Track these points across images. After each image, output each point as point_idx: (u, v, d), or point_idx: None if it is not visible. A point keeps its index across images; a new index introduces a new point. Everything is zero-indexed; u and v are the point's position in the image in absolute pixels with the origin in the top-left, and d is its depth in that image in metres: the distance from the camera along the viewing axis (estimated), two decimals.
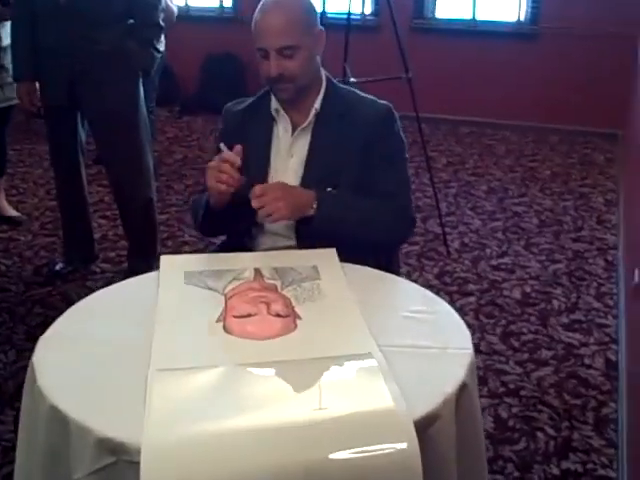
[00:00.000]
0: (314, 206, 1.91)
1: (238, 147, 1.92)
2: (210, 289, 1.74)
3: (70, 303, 3.29)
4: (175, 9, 4.82)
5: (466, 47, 6.27)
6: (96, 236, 3.93)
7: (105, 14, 3.12)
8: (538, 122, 6.21)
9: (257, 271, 1.82)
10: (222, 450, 1.22)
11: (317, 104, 2.05)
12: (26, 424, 1.50)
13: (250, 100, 2.16)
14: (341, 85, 2.15)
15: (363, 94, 2.11)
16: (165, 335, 1.54)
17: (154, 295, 1.72)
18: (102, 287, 3.41)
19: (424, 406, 1.32)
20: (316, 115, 2.05)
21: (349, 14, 4.23)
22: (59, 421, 1.32)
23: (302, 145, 2.06)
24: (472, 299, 3.50)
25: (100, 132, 3.39)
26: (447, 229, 4.19)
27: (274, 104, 2.08)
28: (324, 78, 2.08)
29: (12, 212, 4.37)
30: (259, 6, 1.98)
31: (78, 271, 3.70)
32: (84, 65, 3.15)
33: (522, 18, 6.29)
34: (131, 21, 3.21)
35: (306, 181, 2.01)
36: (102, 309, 1.74)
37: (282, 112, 2.07)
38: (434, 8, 6.53)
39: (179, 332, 1.56)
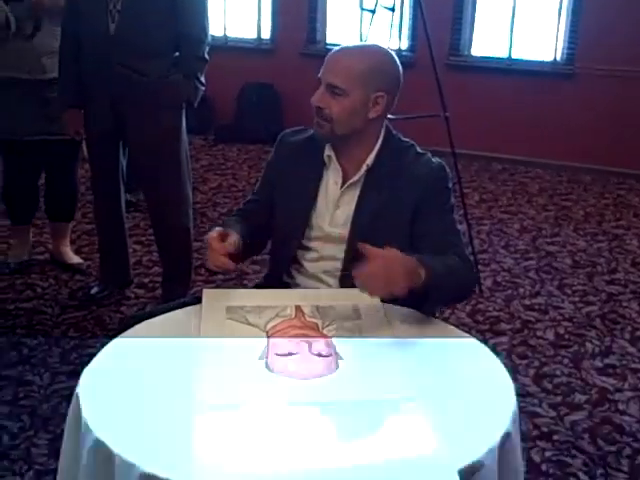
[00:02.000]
0: (422, 275, 1.76)
1: (233, 238, 1.94)
2: (252, 325, 1.75)
3: (104, 328, 3.42)
4: None
5: (501, 85, 6.30)
6: (131, 261, 3.97)
7: (152, 46, 3.18)
8: (572, 161, 6.20)
9: (298, 308, 1.83)
10: None
11: (370, 160, 2.03)
12: (69, 454, 1.52)
13: (308, 133, 2.13)
14: (403, 139, 2.11)
15: (421, 151, 2.09)
16: (210, 371, 1.55)
17: (196, 328, 1.74)
18: (136, 313, 3.50)
19: (468, 455, 1.31)
20: (367, 170, 2.03)
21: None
22: (104, 455, 1.33)
23: (350, 199, 2.04)
24: (505, 339, 3.49)
25: (141, 161, 3.43)
26: (480, 267, 4.19)
27: (327, 150, 2.07)
28: (382, 135, 2.06)
29: (75, 259, 4.13)
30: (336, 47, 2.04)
31: (113, 296, 3.74)
32: (129, 95, 3.21)
33: (558, 57, 6.31)
34: (177, 54, 3.27)
35: (352, 237, 2.00)
36: (146, 342, 1.74)
37: (334, 161, 2.06)
38: (470, 45, 6.57)
39: (223, 368, 1.57)
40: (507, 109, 6.29)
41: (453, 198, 2.09)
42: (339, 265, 2.05)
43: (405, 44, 6.48)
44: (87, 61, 3.25)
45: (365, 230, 1.98)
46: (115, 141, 3.44)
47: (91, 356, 1.68)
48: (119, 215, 3.69)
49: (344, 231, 2.04)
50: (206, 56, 3.30)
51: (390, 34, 4.29)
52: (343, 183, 2.05)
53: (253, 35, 7.08)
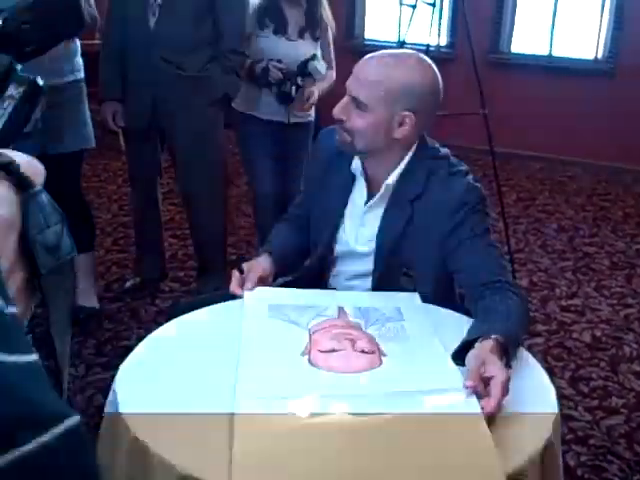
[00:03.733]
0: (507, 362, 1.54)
1: (256, 273, 1.91)
2: (294, 323, 1.74)
3: (139, 320, 3.43)
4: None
5: (541, 83, 6.21)
6: (166, 255, 3.99)
7: (191, 40, 3.18)
8: (611, 161, 6.10)
9: (341, 309, 1.81)
10: None
11: (391, 179, 1.91)
12: (105, 451, 1.50)
13: None
14: (438, 155, 1.95)
15: (455, 168, 1.92)
16: (251, 369, 1.54)
17: (236, 325, 1.72)
18: (170, 306, 3.51)
19: (510, 464, 1.29)
20: (393, 190, 1.93)
21: (428, 46, 4.24)
22: (141, 453, 1.31)
23: (374, 217, 1.96)
24: (540, 340, 3.44)
25: (179, 155, 3.45)
26: (515, 266, 4.14)
27: (355, 162, 1.98)
28: (412, 152, 1.92)
29: (91, 302, 3.52)
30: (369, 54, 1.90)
31: (147, 289, 3.76)
32: (168, 89, 3.21)
33: (600, 55, 6.21)
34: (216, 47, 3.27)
35: (378, 259, 1.94)
36: (184, 338, 1.74)
37: (360, 176, 1.98)
38: (510, 42, 6.50)
39: (265, 365, 1.56)
40: (547, 107, 6.20)
41: (488, 220, 1.94)
42: (368, 284, 1.99)
43: (444, 40, 6.42)
44: (130, 57, 3.25)
45: (390, 250, 1.92)
46: (153, 134, 3.45)
47: (126, 348, 1.68)
48: (155, 208, 3.70)
49: (369, 249, 1.97)
50: (245, 51, 3.30)
51: (430, 30, 4.26)
52: (367, 200, 1.98)
53: None
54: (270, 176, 3.56)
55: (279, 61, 3.38)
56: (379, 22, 6.82)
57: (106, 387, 1.55)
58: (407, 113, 1.84)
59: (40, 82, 1.19)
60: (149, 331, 1.79)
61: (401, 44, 4.55)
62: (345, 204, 2.01)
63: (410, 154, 1.93)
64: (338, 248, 2.04)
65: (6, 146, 1.15)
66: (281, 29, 3.43)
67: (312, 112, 3.64)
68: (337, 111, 1.88)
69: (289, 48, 3.44)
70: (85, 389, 2.87)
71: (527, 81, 6.27)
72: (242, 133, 3.62)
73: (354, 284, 2.03)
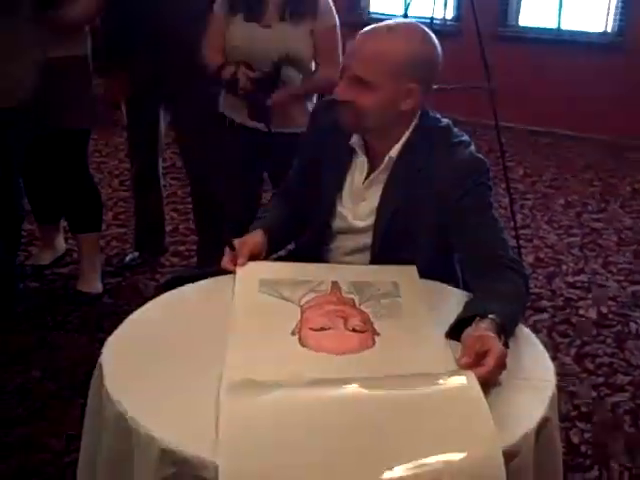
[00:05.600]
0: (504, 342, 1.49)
1: (247, 247, 1.86)
2: (285, 299, 1.69)
3: (139, 294, 3.39)
4: None
5: (549, 56, 6.12)
6: (167, 229, 3.94)
7: (192, 9, 3.08)
8: (620, 136, 6.02)
9: (335, 284, 1.76)
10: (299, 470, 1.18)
11: (393, 152, 1.86)
12: (91, 425, 1.49)
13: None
14: (439, 124, 1.90)
15: (457, 139, 1.87)
16: (238, 346, 1.50)
17: (227, 301, 1.68)
18: (165, 282, 3.46)
19: (504, 441, 1.24)
20: (392, 163, 1.87)
21: (432, 19, 4.16)
22: (125, 427, 1.29)
23: (375, 192, 1.91)
24: (546, 316, 3.39)
25: (182, 129, 3.39)
26: (521, 242, 4.08)
27: (354, 137, 1.91)
28: (412, 125, 1.87)
29: (96, 288, 3.40)
30: (364, 29, 1.82)
31: (148, 263, 3.72)
32: (170, 58, 3.11)
33: (609, 29, 6.11)
34: None
35: (377, 233, 1.89)
36: (173, 312, 1.70)
37: (359, 152, 1.92)
38: (518, 16, 6.40)
39: (253, 343, 1.52)
40: (554, 81, 6.11)
41: (491, 193, 1.87)
42: (366, 258, 1.94)
43: (450, 13, 6.33)
44: (132, 27, 3.15)
45: (389, 222, 1.87)
46: (155, 107, 3.39)
47: None
48: (156, 181, 3.65)
49: (368, 224, 1.92)
50: None
51: (434, 2, 4.18)
52: (368, 175, 1.92)
53: None
54: (244, 196, 3.09)
55: (249, 67, 2.75)
56: None
57: None
58: (414, 85, 1.78)
59: None
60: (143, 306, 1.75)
61: (404, 17, 4.46)
62: (343, 179, 1.95)
63: (412, 125, 1.88)
64: (336, 224, 1.98)
65: None
66: (254, 14, 2.78)
67: (303, 119, 2.47)
68: (342, 92, 1.81)
69: (264, 40, 2.76)
70: (87, 361, 2.82)
71: (535, 54, 6.17)
72: (225, 140, 3.06)
73: (352, 259, 1.98)
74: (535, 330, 3.07)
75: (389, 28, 1.80)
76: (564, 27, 6.25)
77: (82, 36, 3.10)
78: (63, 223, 3.69)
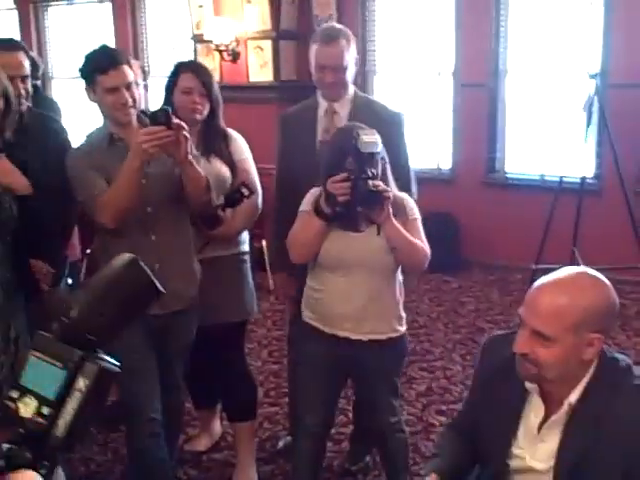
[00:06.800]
0: None
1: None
2: None
3: None
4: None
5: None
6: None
7: None
8: None
9: None
10: None
11: (572, 397, 1.84)
12: None
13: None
14: (619, 365, 1.86)
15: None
16: None
17: None
18: None
19: None
20: (570, 409, 1.86)
21: (583, 179, 4.13)
22: None
23: (553, 435, 1.88)
24: None
25: None
26: None
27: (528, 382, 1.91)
28: (592, 369, 1.85)
29: (251, 478, 3.38)
30: (537, 282, 1.85)
31: None
32: None
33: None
34: None
35: (559, 476, 1.86)
36: None
37: (535, 395, 1.91)
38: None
39: None
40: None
41: None
42: None
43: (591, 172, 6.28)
44: None
45: (571, 469, 1.83)
46: None
47: None
48: None
49: (547, 465, 1.89)
50: None
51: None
52: (544, 419, 1.91)
53: (433, 165, 7.15)
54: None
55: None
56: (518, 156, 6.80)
57: None
58: (594, 335, 1.79)
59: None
60: None
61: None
62: (518, 419, 1.94)
63: (592, 369, 1.86)
64: (512, 463, 1.96)
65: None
66: None
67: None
68: (520, 346, 1.83)
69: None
70: None
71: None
72: None
73: None
74: None
75: (564, 281, 1.83)
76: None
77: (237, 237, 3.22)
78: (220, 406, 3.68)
